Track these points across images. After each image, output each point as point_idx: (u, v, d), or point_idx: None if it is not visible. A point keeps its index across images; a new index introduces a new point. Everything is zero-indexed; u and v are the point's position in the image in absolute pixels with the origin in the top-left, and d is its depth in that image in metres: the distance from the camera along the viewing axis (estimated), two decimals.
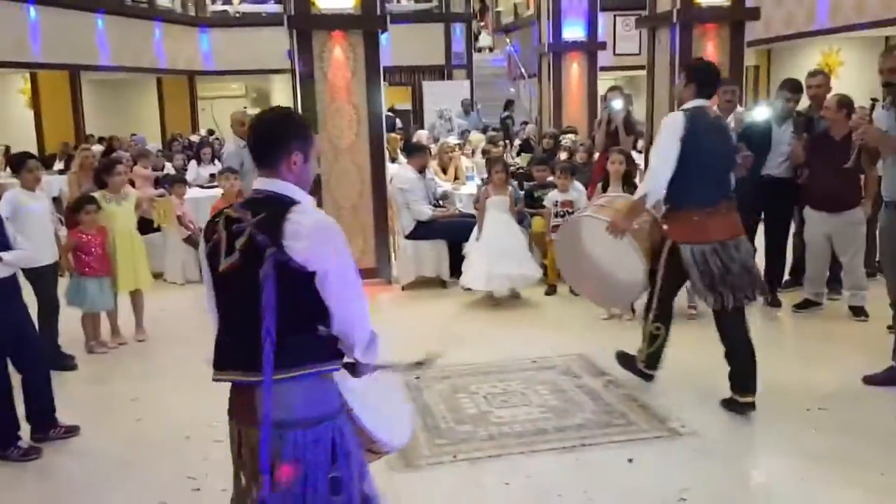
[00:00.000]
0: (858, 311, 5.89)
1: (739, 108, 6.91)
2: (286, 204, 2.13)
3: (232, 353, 2.16)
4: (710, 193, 4.08)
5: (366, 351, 2.18)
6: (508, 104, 16.95)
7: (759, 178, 5.94)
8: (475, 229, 6.71)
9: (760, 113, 6.19)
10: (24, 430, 4.15)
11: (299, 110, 7.23)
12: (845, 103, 5.66)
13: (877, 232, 5.10)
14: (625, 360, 4.71)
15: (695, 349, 5.35)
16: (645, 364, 4.56)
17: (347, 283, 2.17)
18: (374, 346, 2.20)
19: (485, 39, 19.90)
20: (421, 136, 11.67)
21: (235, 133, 7.36)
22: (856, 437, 3.94)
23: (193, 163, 10.81)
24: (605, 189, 5.99)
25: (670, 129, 4.03)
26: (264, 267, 2.04)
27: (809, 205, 5.90)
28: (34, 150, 13.58)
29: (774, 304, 6.28)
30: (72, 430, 4.25)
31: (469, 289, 6.64)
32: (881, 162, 4.74)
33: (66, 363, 5.32)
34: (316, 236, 2.10)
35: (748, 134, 5.89)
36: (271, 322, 2.04)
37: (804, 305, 6.11)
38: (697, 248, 4.09)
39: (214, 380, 2.20)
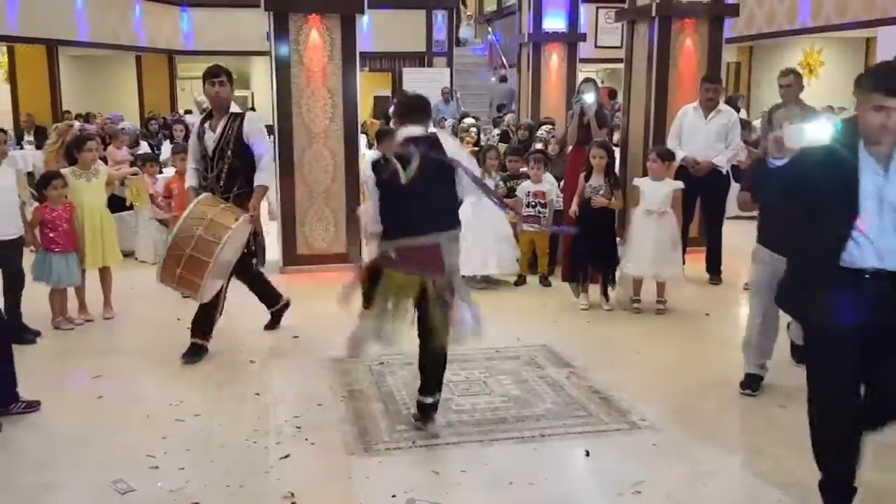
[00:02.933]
0: None
1: (722, 106, 6.98)
2: (434, 138, 3.87)
3: (414, 227, 3.72)
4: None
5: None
6: (501, 107, 15.83)
7: None
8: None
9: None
10: None
11: (276, 93, 7.19)
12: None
13: None
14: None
15: (661, 344, 5.42)
16: None
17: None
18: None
19: (464, 31, 19.61)
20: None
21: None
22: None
23: (167, 142, 10.70)
24: (587, 180, 6.04)
25: None
26: (457, 170, 3.79)
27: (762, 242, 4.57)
28: (10, 124, 13.44)
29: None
30: (32, 405, 4.22)
31: None
32: None
33: (25, 337, 5.28)
34: (459, 151, 4.01)
35: None
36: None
37: (749, 384, 4.59)
38: None
39: (393, 248, 3.78)
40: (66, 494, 3.43)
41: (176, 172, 6.97)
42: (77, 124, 11.78)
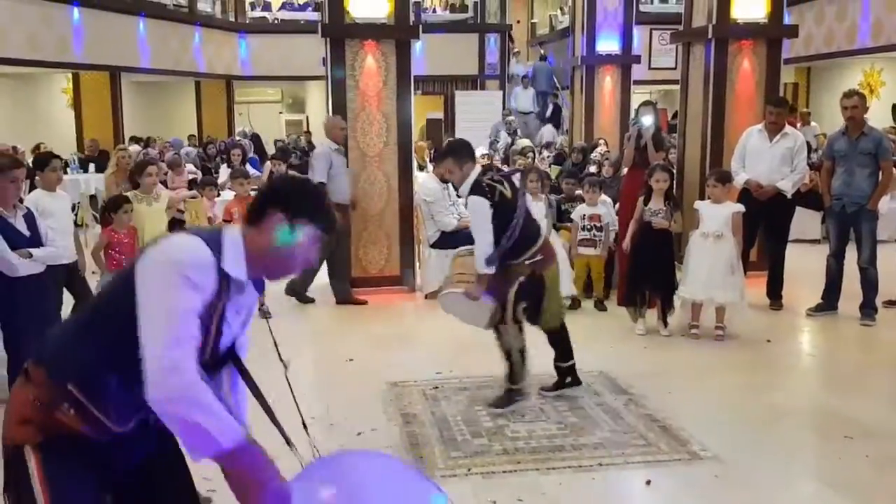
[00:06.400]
0: None
1: (788, 129, 6.84)
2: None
3: (538, 231, 4.57)
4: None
5: None
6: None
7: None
8: None
9: None
10: None
11: (331, 117, 7.28)
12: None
13: None
14: None
15: (721, 372, 5.29)
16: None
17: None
18: None
19: (514, 67, 19.55)
20: None
21: (329, 136, 7.18)
22: (882, 470, 3.83)
23: (224, 166, 10.92)
24: (646, 203, 5.96)
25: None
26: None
27: None
28: (74, 150, 13.90)
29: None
30: None
31: None
32: None
33: None
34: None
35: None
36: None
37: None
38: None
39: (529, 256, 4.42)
40: None
41: (235, 197, 7.07)
42: (134, 148, 12.13)
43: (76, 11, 13.47)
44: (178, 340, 1.81)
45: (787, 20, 8.36)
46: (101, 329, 1.95)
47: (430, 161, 9.88)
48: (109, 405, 1.94)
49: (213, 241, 1.95)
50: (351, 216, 7.06)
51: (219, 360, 2.10)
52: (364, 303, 7.01)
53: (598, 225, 6.85)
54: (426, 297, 7.22)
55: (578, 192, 7.26)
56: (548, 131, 15.54)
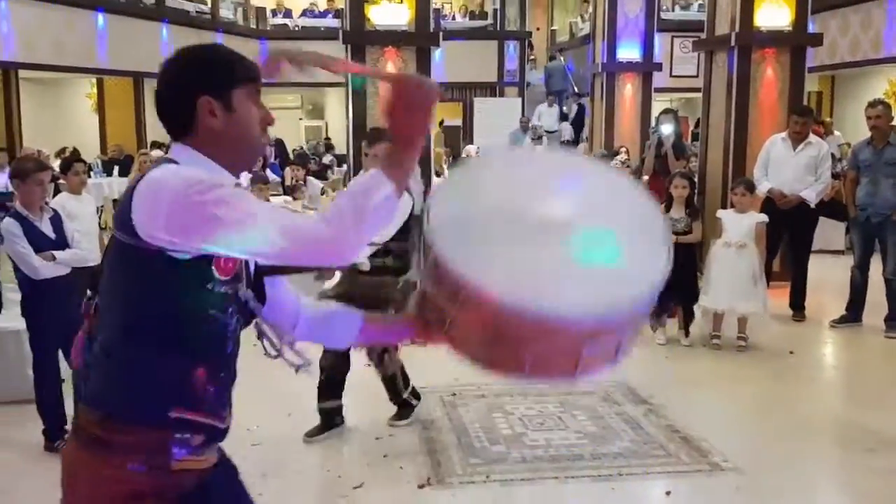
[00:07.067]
0: None
1: (812, 138, 6.76)
2: None
3: None
4: None
5: None
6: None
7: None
8: None
9: None
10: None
11: (352, 124, 7.31)
12: None
13: None
14: None
15: (743, 383, 5.23)
16: None
17: None
18: None
19: (531, 76, 19.51)
20: (469, 150, 11.72)
21: None
22: None
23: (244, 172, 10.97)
24: (667, 212, 5.92)
25: None
26: None
27: None
28: (98, 153, 14.05)
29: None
30: None
31: None
32: None
33: None
34: None
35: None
36: None
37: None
38: None
39: None
40: None
41: None
42: (156, 153, 12.22)
43: (101, 17, 13.63)
44: (267, 220, 1.47)
45: (811, 28, 8.29)
46: (146, 330, 1.58)
47: (448, 168, 9.91)
48: (212, 397, 1.67)
49: (173, 166, 1.59)
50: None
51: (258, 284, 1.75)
52: None
53: None
54: None
55: None
56: (566, 129, 15.44)
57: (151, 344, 1.58)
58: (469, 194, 1.73)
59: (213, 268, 1.59)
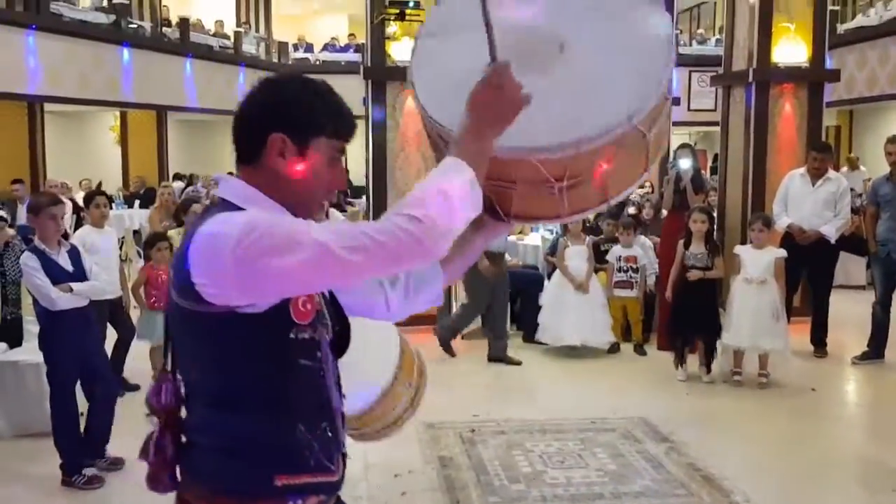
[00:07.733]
0: None
1: (831, 173, 6.74)
2: None
3: None
4: None
5: None
6: None
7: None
8: (551, 281, 6.78)
9: None
10: None
11: (371, 156, 7.38)
12: None
13: None
14: None
15: (765, 420, 5.17)
16: None
17: None
18: None
19: None
20: None
21: None
22: None
23: None
24: (686, 247, 5.91)
25: None
26: None
27: None
28: (120, 185, 14.25)
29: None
30: (116, 463, 4.29)
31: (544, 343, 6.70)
32: None
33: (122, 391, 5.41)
34: None
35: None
36: None
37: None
38: None
39: None
40: None
41: None
42: (177, 185, 12.38)
43: (126, 52, 13.91)
44: (318, 233, 1.34)
45: (828, 64, 8.30)
46: (235, 398, 1.47)
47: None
48: (316, 454, 1.52)
49: (221, 207, 1.49)
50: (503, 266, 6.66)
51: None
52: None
53: (634, 266, 6.80)
54: (462, 337, 7.18)
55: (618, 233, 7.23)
56: None
57: (243, 411, 1.47)
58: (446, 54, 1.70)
59: (291, 313, 1.46)
